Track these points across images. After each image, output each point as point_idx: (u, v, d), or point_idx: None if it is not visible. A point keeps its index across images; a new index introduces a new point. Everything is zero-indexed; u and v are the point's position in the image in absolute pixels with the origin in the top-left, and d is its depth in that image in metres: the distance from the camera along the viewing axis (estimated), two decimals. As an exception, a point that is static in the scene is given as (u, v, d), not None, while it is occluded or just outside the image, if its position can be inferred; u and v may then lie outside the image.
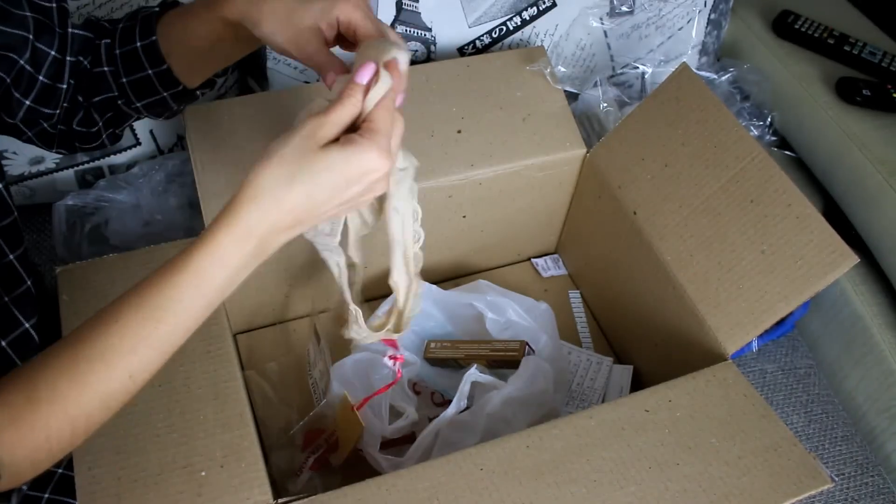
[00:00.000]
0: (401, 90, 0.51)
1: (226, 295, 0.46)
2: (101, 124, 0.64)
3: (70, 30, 0.60)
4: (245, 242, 0.45)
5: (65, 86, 0.60)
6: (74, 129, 0.63)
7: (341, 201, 0.47)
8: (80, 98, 0.62)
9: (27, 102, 0.59)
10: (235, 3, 0.56)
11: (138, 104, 0.64)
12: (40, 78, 0.59)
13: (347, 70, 0.54)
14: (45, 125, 0.62)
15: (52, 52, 0.58)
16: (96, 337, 0.44)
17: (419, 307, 0.65)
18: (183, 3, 0.63)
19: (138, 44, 0.61)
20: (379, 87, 0.49)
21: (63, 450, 0.46)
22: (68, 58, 0.60)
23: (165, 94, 0.63)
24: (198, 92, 0.66)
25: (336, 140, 0.47)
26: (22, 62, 0.56)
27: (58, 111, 0.61)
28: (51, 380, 0.44)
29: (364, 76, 0.48)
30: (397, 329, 0.66)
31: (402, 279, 0.63)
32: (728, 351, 0.71)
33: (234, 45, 0.59)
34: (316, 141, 0.46)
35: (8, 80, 0.56)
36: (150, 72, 0.61)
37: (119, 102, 0.64)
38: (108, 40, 0.62)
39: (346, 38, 0.56)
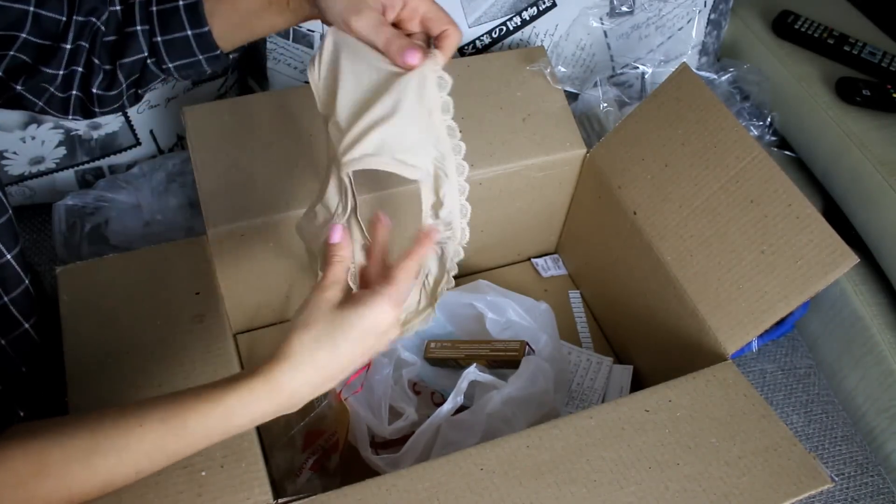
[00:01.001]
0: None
1: (243, 431, 0.50)
2: (124, 86, 0.63)
3: None
4: (276, 395, 0.49)
5: (69, 46, 0.58)
6: (94, 93, 0.62)
7: (363, 352, 0.52)
8: (99, 61, 0.61)
9: (28, 59, 0.57)
10: None
11: (170, 65, 0.62)
12: (42, 42, 0.57)
13: (416, 47, 0.54)
14: (53, 90, 0.60)
15: (58, 17, 0.57)
16: (117, 434, 0.47)
17: (434, 312, 0.65)
18: None
19: (181, 2, 0.60)
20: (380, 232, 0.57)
21: None
22: (76, 17, 0.58)
23: (201, 56, 0.62)
24: (230, 55, 0.65)
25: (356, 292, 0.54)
26: (24, 35, 0.56)
27: (60, 72, 0.59)
28: (63, 462, 0.46)
29: (335, 236, 0.55)
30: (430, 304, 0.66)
31: (435, 267, 0.64)
32: (728, 351, 0.71)
33: (281, 13, 0.59)
34: (329, 304, 0.51)
35: (10, 54, 0.56)
36: (189, 32, 0.60)
37: (149, 62, 0.62)
38: None
39: (398, 25, 0.57)
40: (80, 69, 0.60)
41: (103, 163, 0.97)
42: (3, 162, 0.92)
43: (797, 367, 0.97)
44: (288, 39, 0.94)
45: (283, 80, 0.98)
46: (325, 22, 0.57)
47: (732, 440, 0.64)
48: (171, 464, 0.49)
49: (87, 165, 0.96)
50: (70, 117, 0.64)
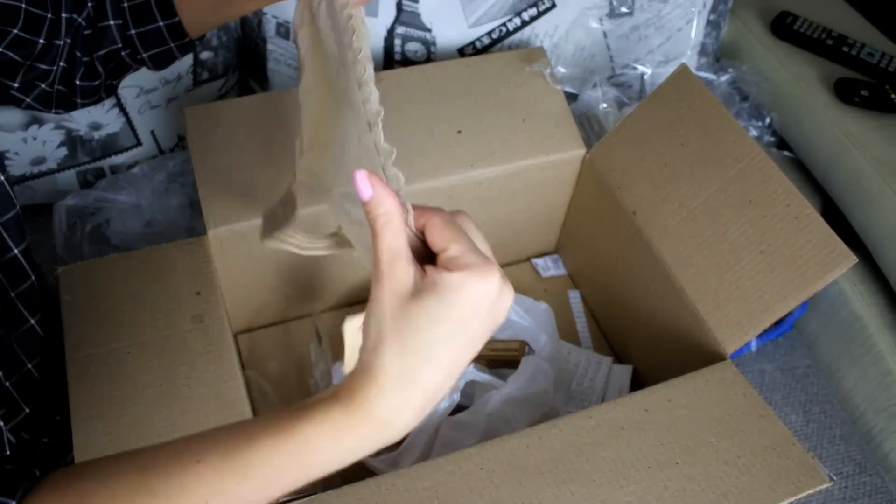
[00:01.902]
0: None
1: (327, 473, 0.39)
2: (102, 76, 0.65)
3: None
4: (366, 427, 0.37)
5: (61, 42, 0.60)
6: (77, 85, 0.64)
7: (470, 344, 0.38)
8: (79, 54, 0.63)
9: (27, 62, 0.59)
10: None
11: (144, 55, 0.65)
12: (39, 40, 0.59)
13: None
14: (43, 85, 0.62)
15: (47, 15, 0.59)
16: (171, 472, 0.39)
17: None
18: None
19: None
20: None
21: None
22: (63, 14, 0.60)
23: (173, 45, 0.64)
24: (196, 42, 0.66)
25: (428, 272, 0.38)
26: (16, 31, 0.57)
27: (54, 68, 0.61)
28: (106, 502, 0.39)
29: (363, 189, 0.38)
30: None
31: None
32: (727, 351, 0.71)
33: None
34: (400, 298, 0.37)
35: (7, 53, 0.57)
36: (160, 24, 0.62)
37: (123, 54, 0.64)
38: None
39: None
40: (63, 64, 0.62)
41: (104, 163, 0.97)
42: (5, 162, 0.92)
43: (796, 367, 0.97)
44: (289, 40, 0.95)
45: (284, 80, 0.98)
46: None
47: (731, 440, 0.64)
48: None
49: (88, 166, 0.96)
50: (53, 110, 0.65)
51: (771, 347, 0.98)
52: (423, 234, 0.39)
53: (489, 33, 0.99)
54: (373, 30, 0.94)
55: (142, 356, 0.66)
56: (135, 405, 0.62)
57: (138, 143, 0.97)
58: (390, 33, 0.95)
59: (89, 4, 0.62)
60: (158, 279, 0.71)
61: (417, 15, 0.94)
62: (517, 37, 1.01)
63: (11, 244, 0.59)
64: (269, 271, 0.81)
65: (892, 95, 1.01)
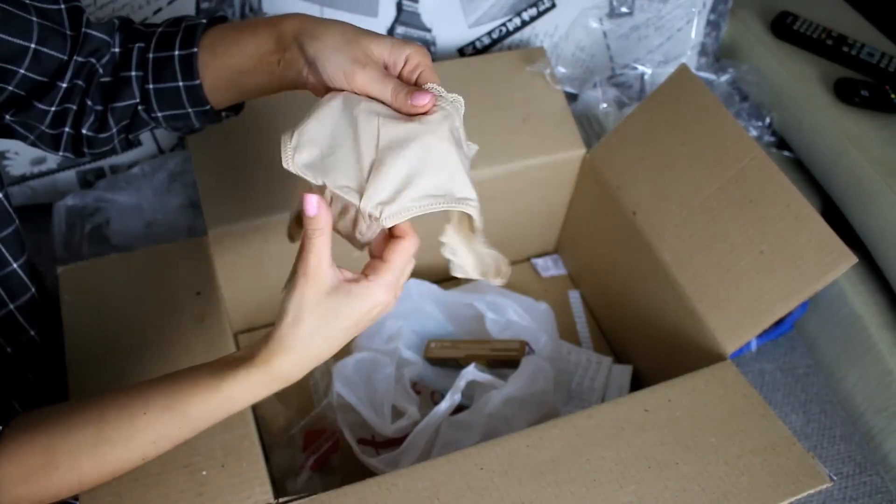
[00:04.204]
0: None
1: (242, 409, 0.52)
2: (114, 130, 0.62)
3: (85, 30, 0.58)
4: (274, 381, 0.50)
5: (65, 84, 0.58)
6: (84, 134, 0.62)
7: (353, 334, 0.52)
8: (91, 102, 0.60)
9: (22, 93, 0.57)
10: (295, 20, 0.55)
11: (159, 114, 0.62)
12: (38, 77, 0.57)
13: (424, 90, 0.52)
14: (42, 127, 0.60)
15: (58, 55, 0.57)
16: (123, 424, 0.49)
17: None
18: (236, 21, 0.61)
19: (176, 52, 0.59)
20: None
21: (66, 498, 0.51)
22: (76, 58, 0.58)
23: (190, 109, 0.61)
24: (223, 114, 0.64)
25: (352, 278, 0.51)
26: (23, 71, 0.55)
27: (52, 108, 0.59)
28: (71, 452, 0.48)
29: (310, 208, 0.49)
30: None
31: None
32: (727, 351, 0.71)
33: (270, 73, 0.57)
34: (319, 294, 0.49)
35: (8, 88, 0.56)
36: (180, 84, 0.60)
37: (139, 108, 0.62)
38: (143, 44, 0.60)
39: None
40: (73, 107, 0.60)
41: (104, 163, 0.97)
42: (5, 162, 0.92)
43: (796, 367, 0.97)
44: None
45: (284, 80, 0.98)
46: (318, 81, 0.54)
47: (731, 440, 0.64)
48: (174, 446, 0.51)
49: (88, 166, 0.96)
50: (61, 153, 0.63)
51: (771, 347, 0.98)
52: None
53: (489, 33, 0.99)
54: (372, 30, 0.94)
55: (142, 356, 0.66)
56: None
57: (138, 143, 0.97)
58: (390, 33, 0.95)
59: (113, 51, 0.60)
60: (158, 279, 0.71)
61: (417, 15, 0.94)
62: (517, 37, 1.01)
63: (10, 259, 0.59)
64: (269, 271, 0.81)
65: (892, 95, 1.01)
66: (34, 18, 0.55)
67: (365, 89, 0.52)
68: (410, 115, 0.51)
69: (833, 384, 0.97)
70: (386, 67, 0.53)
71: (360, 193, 0.49)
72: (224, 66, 0.59)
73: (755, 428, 0.65)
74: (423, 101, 0.51)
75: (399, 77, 0.53)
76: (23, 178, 0.94)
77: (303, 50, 0.54)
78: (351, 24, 0.54)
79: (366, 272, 0.51)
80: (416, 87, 0.52)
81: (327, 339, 0.50)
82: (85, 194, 0.92)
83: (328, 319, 0.49)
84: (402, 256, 0.51)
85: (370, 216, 0.50)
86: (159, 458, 0.58)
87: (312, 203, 0.49)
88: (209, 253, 0.73)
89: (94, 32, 0.59)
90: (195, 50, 0.58)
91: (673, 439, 0.63)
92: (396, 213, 0.49)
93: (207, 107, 0.61)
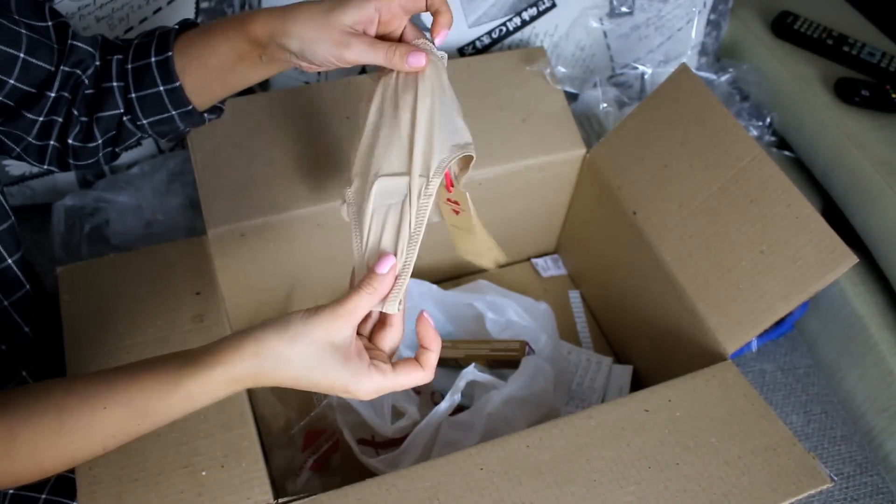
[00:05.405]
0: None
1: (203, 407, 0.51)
2: (100, 141, 0.63)
3: (71, 42, 0.59)
4: (235, 385, 0.49)
5: (53, 94, 0.58)
6: (70, 145, 0.62)
7: (317, 390, 0.51)
8: (77, 112, 0.61)
9: (11, 103, 0.57)
10: (261, 21, 0.55)
11: (144, 121, 0.62)
12: (26, 88, 0.57)
13: (417, 49, 0.55)
14: (29, 138, 0.60)
15: (46, 66, 0.57)
16: (83, 416, 0.48)
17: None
18: (205, 24, 0.61)
19: (153, 59, 0.59)
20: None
21: (28, 483, 0.51)
22: (63, 67, 0.58)
23: (174, 112, 0.62)
24: (206, 115, 0.64)
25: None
26: (12, 81, 0.56)
27: (40, 118, 0.59)
28: (32, 440, 0.48)
29: (382, 266, 0.52)
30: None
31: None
32: (728, 351, 0.71)
33: (254, 67, 0.58)
34: (330, 341, 0.49)
35: None
36: (161, 88, 0.60)
37: (125, 119, 0.62)
38: (121, 56, 0.61)
39: (385, 36, 0.56)
40: (59, 119, 0.60)
41: (103, 163, 0.97)
42: (5, 162, 0.92)
43: (796, 367, 0.97)
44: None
45: (284, 80, 0.98)
46: (310, 68, 0.56)
47: (732, 440, 0.64)
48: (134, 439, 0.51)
49: (87, 165, 0.96)
50: (45, 166, 0.64)
51: (771, 347, 0.98)
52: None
53: (489, 33, 0.99)
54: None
55: (141, 356, 0.65)
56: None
57: (138, 143, 0.97)
58: (390, 33, 0.95)
59: (96, 64, 0.61)
60: (158, 279, 0.71)
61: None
62: (517, 36, 1.01)
63: (5, 255, 0.59)
64: (269, 271, 0.80)
65: (893, 95, 1.01)
66: (23, 31, 0.55)
67: (358, 63, 0.55)
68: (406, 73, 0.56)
69: (834, 384, 0.97)
70: (366, 27, 0.55)
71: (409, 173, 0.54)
72: (203, 67, 0.59)
73: (756, 428, 0.65)
74: (420, 62, 0.55)
75: (384, 29, 0.56)
76: (22, 178, 0.94)
77: (284, 47, 0.55)
78: (314, 4, 0.55)
79: (384, 360, 0.52)
80: (405, 45, 0.55)
81: (299, 376, 0.49)
82: (84, 194, 0.92)
83: (317, 363, 0.49)
84: (414, 379, 0.52)
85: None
86: (159, 458, 0.59)
87: (387, 264, 0.52)
88: (209, 253, 0.73)
89: (80, 44, 0.60)
90: (170, 54, 0.59)
91: (673, 439, 0.63)
92: (438, 169, 0.54)
93: (190, 107, 0.61)
